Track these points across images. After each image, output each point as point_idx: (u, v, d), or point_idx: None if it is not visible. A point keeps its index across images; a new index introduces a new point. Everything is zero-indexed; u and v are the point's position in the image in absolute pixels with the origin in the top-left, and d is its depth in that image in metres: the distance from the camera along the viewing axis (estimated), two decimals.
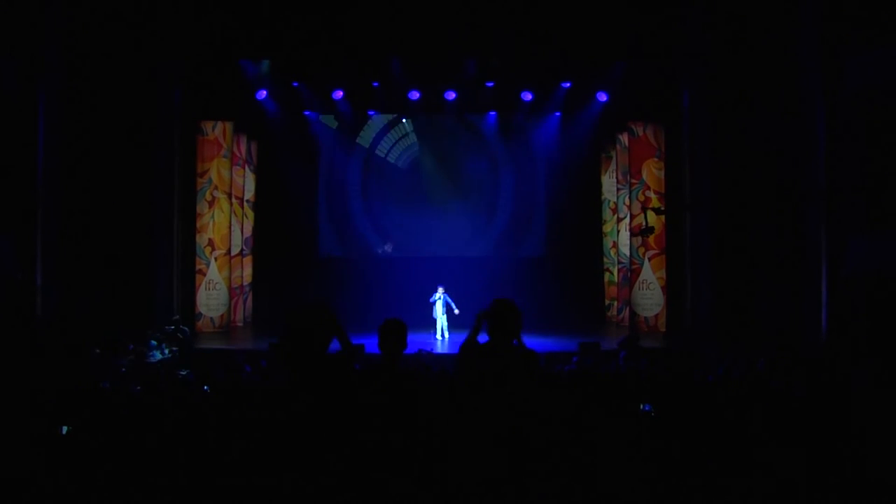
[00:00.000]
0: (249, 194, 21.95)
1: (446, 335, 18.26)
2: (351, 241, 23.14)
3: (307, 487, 4.45)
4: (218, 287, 19.26)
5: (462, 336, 5.31)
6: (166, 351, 14.42)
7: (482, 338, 5.18)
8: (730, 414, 6.47)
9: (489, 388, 4.99)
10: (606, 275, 22.66)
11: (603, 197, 22.81)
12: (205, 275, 19.12)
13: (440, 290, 18.55)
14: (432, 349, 15.41)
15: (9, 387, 7.97)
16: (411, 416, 5.02)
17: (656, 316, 19.22)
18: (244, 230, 21.51)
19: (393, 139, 22.83)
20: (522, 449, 4.82)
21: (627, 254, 20.16)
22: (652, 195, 19.12)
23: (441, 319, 18.39)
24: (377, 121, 22.63)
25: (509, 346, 5.12)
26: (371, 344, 14.42)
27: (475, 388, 5.05)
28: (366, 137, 22.82)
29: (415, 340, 9.80)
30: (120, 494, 5.02)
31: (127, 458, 5.34)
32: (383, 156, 22.92)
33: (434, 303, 18.48)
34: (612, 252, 22.11)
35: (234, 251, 20.41)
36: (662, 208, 17.90)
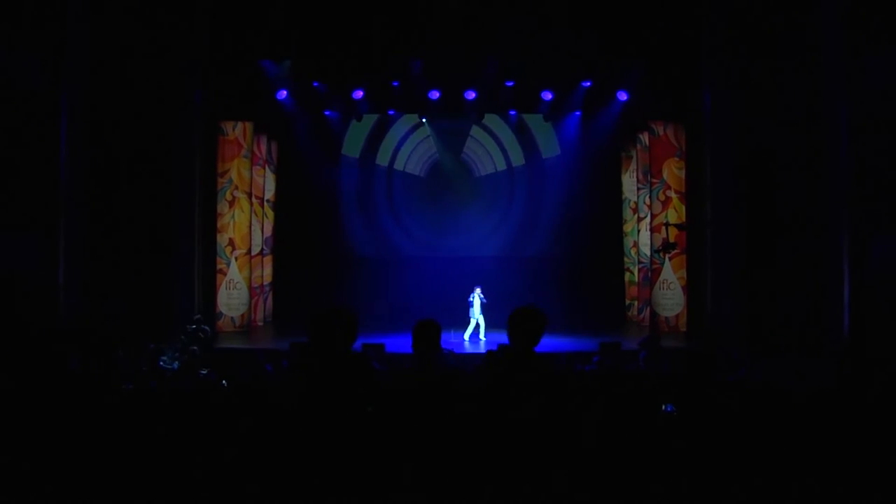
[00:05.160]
0: (270, 194, 22.05)
1: (482, 338, 18.14)
2: (372, 241, 23.21)
3: (325, 486, 4.46)
4: (238, 287, 19.33)
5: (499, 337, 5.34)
6: (186, 350, 14.45)
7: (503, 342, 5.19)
8: (751, 415, 6.44)
9: (503, 391, 4.99)
10: (627, 274, 22.60)
11: (623, 196, 22.74)
12: (225, 274, 19.18)
13: (477, 290, 18.39)
14: (455, 349, 15.33)
15: (31, 386, 8.01)
16: (445, 417, 4.98)
17: (677, 316, 19.12)
18: (264, 230, 21.62)
19: (415, 139, 22.88)
20: (540, 449, 4.81)
21: (648, 253, 20.09)
22: (673, 195, 19.04)
23: (479, 319, 18.26)
24: (398, 121, 22.68)
25: (527, 353, 5.11)
26: (391, 343, 14.56)
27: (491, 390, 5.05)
28: (387, 139, 22.96)
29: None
30: (141, 495, 5.03)
31: (149, 459, 5.35)
32: (406, 155, 22.98)
33: (471, 302, 18.35)
34: (633, 252, 22.04)
35: (255, 251, 20.49)
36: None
